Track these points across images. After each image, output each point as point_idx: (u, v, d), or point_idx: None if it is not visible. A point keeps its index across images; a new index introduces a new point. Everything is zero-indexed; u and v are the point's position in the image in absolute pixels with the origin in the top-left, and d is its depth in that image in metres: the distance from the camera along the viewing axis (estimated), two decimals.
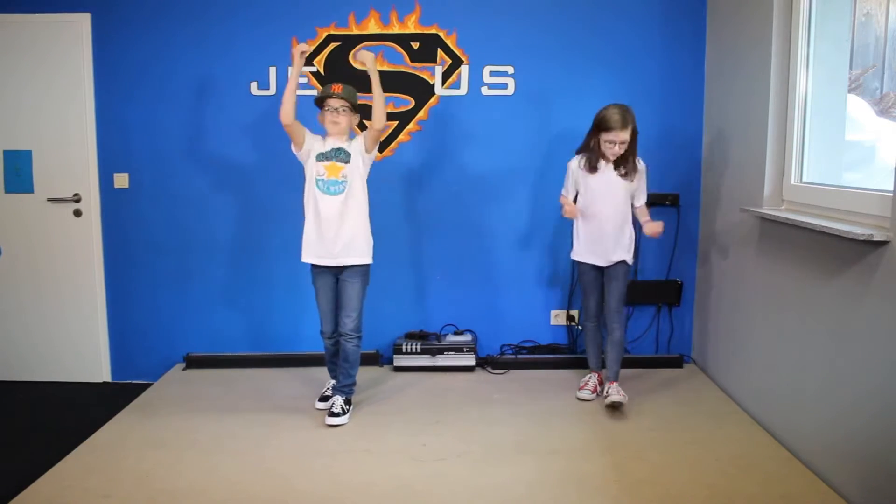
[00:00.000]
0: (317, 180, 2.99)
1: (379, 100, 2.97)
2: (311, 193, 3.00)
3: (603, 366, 3.33)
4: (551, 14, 3.63)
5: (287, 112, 2.93)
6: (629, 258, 3.12)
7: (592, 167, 3.06)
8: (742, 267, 3.22)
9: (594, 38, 3.63)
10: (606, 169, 3.06)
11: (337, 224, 2.98)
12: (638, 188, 3.11)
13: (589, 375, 3.36)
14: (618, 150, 2.98)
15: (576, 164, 3.14)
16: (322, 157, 2.99)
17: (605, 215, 3.07)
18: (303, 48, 3.02)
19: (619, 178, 3.04)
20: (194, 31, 3.63)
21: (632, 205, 3.13)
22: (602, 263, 3.12)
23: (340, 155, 2.99)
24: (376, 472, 2.59)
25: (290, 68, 3.06)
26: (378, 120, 2.98)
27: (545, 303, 3.84)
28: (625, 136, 2.95)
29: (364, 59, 3.00)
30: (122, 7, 3.61)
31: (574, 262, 3.26)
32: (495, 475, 2.56)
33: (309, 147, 3.01)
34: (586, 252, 3.15)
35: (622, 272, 3.12)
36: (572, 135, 3.62)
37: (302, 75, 3.65)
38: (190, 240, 3.77)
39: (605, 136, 2.97)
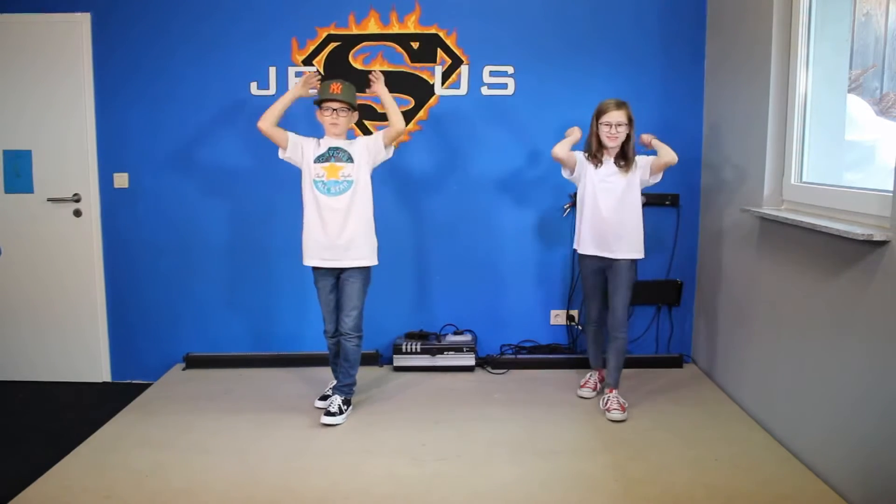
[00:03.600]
0: (315, 182, 2.97)
1: (392, 108, 2.99)
2: (311, 195, 2.99)
3: (603, 365, 3.34)
4: (551, 14, 3.63)
5: (270, 121, 2.95)
6: (636, 254, 3.07)
7: (596, 160, 3.07)
8: (742, 267, 3.22)
9: (594, 37, 3.63)
10: (607, 163, 3.07)
11: (340, 225, 2.97)
12: (647, 164, 3.05)
13: (590, 374, 3.40)
14: (615, 132, 2.98)
15: (583, 155, 3.13)
16: (320, 158, 2.98)
17: (604, 206, 3.04)
18: (311, 82, 3.02)
19: (617, 170, 3.04)
20: (194, 31, 3.63)
21: (652, 165, 3.05)
22: (606, 254, 3.08)
23: (339, 154, 2.98)
24: (376, 472, 2.59)
25: (293, 87, 3.02)
26: (395, 123, 2.99)
27: (545, 303, 3.84)
28: (620, 116, 2.97)
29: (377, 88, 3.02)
30: (122, 7, 3.61)
31: (577, 257, 3.24)
32: (495, 475, 2.56)
33: (298, 149, 3.00)
34: (589, 242, 3.11)
35: (626, 274, 3.07)
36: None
37: (301, 74, 3.64)
38: (190, 239, 3.77)
39: (602, 120, 3.00)
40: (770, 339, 2.92)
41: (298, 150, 3.00)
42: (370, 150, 3.01)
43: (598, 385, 3.33)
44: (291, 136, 3.01)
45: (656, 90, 3.64)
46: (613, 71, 3.64)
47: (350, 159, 2.98)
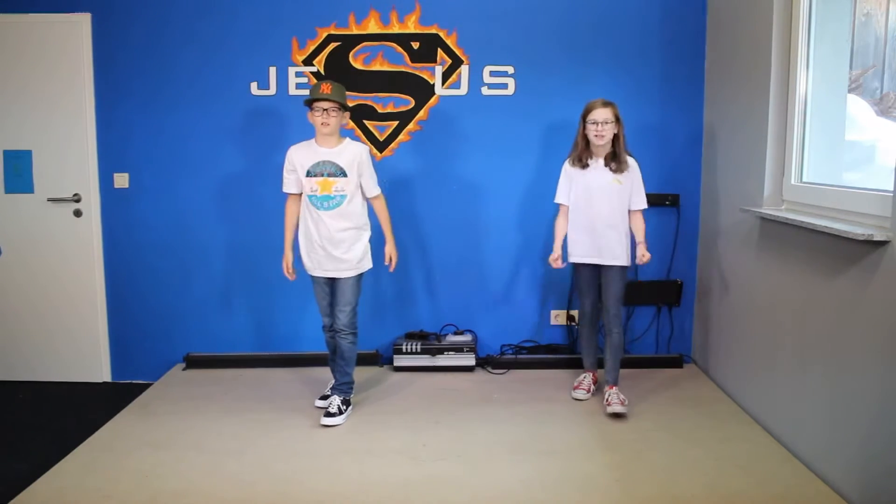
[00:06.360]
0: (310, 197, 2.98)
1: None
2: (307, 208, 3.01)
3: (599, 366, 3.35)
4: (551, 14, 3.63)
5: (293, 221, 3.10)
6: (626, 261, 3.10)
7: (583, 163, 3.09)
8: (742, 267, 3.22)
9: (594, 37, 3.63)
10: (597, 166, 3.08)
11: (336, 239, 2.99)
12: (633, 189, 3.09)
13: (584, 375, 3.37)
14: (601, 129, 2.98)
15: (568, 163, 3.16)
16: (312, 172, 2.97)
17: (597, 212, 3.07)
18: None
19: (610, 174, 3.05)
20: (194, 31, 3.63)
21: (629, 211, 3.10)
22: (598, 261, 3.12)
23: (330, 169, 2.97)
24: (376, 472, 2.59)
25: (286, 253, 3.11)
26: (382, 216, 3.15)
27: (545, 303, 3.84)
28: (606, 113, 2.98)
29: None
30: (122, 7, 3.61)
31: (571, 264, 3.24)
32: (495, 475, 2.56)
33: (296, 169, 3.00)
34: (581, 251, 3.14)
35: (619, 275, 3.11)
36: (572, 135, 3.62)
37: (301, 74, 3.65)
38: (190, 239, 3.77)
39: (589, 119, 3.01)
40: (770, 339, 2.92)
41: (296, 170, 3.01)
42: (359, 172, 3.00)
43: (592, 388, 3.32)
44: (293, 189, 3.05)
45: (657, 90, 3.64)
46: (613, 70, 3.64)
47: (343, 173, 2.97)
